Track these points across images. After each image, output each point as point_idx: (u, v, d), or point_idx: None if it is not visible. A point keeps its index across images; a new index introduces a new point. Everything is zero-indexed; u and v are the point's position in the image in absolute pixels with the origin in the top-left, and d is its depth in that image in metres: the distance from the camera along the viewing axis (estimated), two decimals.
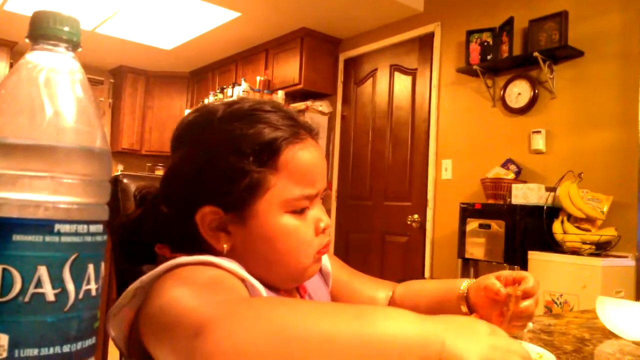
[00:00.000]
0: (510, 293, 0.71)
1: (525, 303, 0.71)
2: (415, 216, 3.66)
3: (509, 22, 3.08)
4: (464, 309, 0.79)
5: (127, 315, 0.60)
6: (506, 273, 0.76)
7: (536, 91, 2.99)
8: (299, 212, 0.69)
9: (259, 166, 0.66)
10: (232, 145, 0.66)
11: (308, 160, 0.69)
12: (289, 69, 4.39)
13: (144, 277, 0.59)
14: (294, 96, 4.45)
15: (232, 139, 0.66)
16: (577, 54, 2.80)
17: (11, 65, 4.97)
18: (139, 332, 0.57)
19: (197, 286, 0.54)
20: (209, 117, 0.70)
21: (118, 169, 5.60)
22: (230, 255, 0.66)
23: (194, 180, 0.68)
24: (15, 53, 5.03)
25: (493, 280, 0.75)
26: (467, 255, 2.83)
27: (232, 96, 4.67)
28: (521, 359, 0.48)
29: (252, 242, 0.67)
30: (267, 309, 0.46)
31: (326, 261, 0.88)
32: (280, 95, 4.37)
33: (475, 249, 2.79)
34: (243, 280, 0.60)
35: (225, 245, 0.67)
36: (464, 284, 0.80)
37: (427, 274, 3.52)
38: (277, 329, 0.44)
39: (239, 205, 0.66)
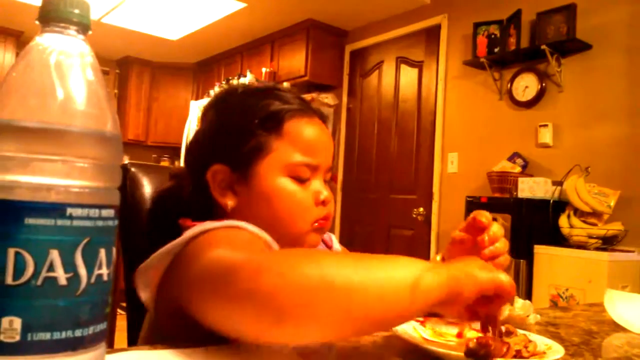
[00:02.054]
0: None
1: (492, 247, 0.69)
2: (421, 209, 3.65)
3: (517, 15, 3.05)
4: None
5: (154, 277, 0.65)
6: (465, 222, 0.74)
7: (543, 84, 2.97)
8: (300, 180, 0.74)
9: (264, 131, 0.73)
10: (244, 112, 0.75)
11: (311, 132, 0.75)
12: (295, 60, 4.37)
13: (173, 242, 0.63)
14: (299, 88, 4.43)
15: (245, 107, 0.76)
16: (585, 47, 2.78)
17: (17, 55, 4.97)
18: (177, 298, 0.59)
19: (237, 244, 0.60)
20: (230, 92, 0.80)
21: (124, 160, 5.61)
22: (234, 215, 0.72)
23: (209, 142, 0.77)
24: (21, 43, 5.03)
25: (457, 232, 0.75)
26: None
27: None
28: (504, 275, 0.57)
29: (253, 201, 0.73)
30: (313, 257, 0.51)
31: (339, 249, 0.91)
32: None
33: None
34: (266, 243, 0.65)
35: (230, 202, 0.73)
36: (437, 257, 0.80)
37: None
38: (324, 273, 0.48)
39: (244, 165, 0.73)
